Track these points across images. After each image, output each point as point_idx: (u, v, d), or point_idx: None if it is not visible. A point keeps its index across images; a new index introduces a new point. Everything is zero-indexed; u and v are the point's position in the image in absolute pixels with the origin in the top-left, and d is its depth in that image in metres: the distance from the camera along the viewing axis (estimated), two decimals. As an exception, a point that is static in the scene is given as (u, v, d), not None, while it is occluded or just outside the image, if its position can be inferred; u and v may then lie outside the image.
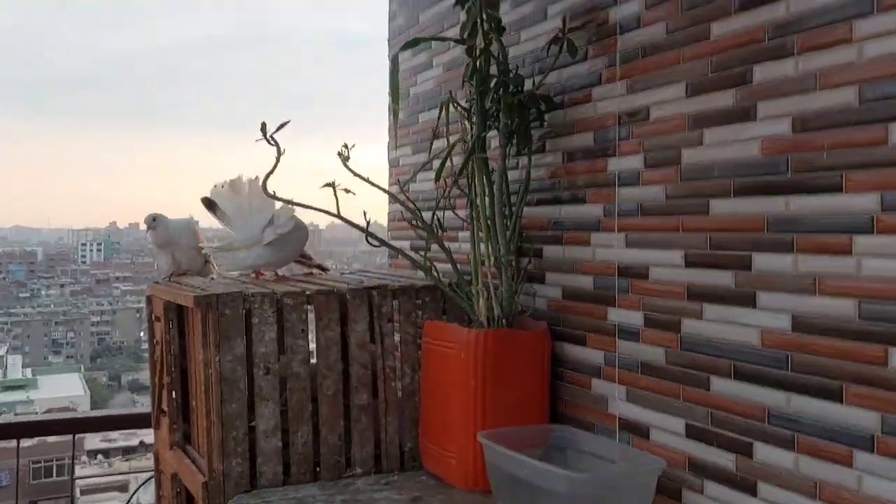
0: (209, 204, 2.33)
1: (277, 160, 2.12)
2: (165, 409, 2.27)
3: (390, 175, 3.05)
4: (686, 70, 1.64)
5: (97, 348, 45.96)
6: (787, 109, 1.46)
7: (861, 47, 1.33)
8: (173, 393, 2.18)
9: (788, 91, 1.45)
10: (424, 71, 2.73)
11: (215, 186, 2.35)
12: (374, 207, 2.47)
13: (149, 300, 2.42)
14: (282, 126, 2.12)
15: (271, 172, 2.12)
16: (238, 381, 1.93)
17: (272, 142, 2.11)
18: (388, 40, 3.07)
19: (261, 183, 2.08)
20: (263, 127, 2.09)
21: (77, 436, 2.84)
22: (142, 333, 46.77)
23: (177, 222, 2.52)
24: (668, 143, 1.69)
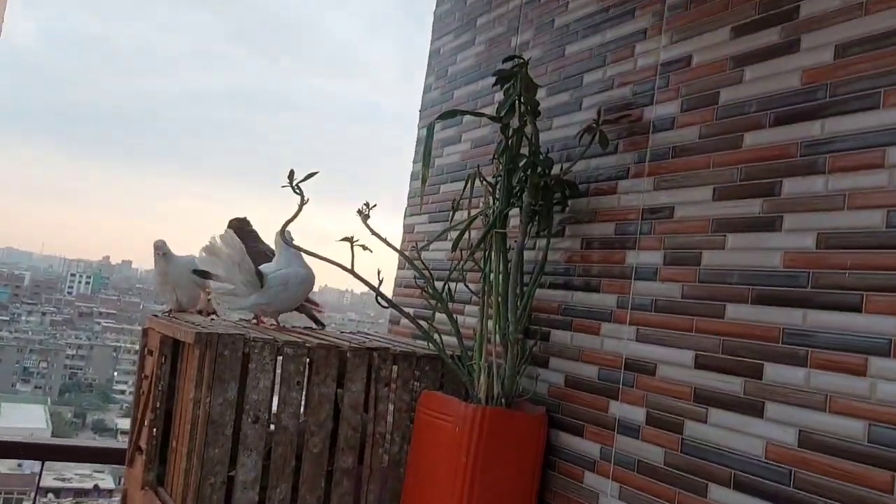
0: (203, 274, 2.31)
1: (300, 208, 2.14)
2: (143, 446, 2.20)
3: (403, 240, 3.07)
4: (714, 174, 1.67)
5: (67, 382, 44.95)
6: (813, 224, 1.48)
7: (892, 173, 1.37)
8: (154, 430, 2.12)
9: (815, 207, 1.48)
10: (452, 144, 2.78)
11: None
12: (377, 273, 2.48)
13: (145, 332, 2.38)
14: (309, 176, 2.15)
15: (292, 219, 2.14)
16: (225, 425, 1.88)
17: (297, 190, 2.13)
18: (420, 111, 3.15)
19: (280, 228, 2.08)
20: (291, 174, 2.12)
21: (30, 471, 2.72)
22: (115, 373, 45.91)
23: (181, 259, 2.50)
24: (689, 242, 1.70)
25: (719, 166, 1.66)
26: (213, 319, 2.39)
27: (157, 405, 2.12)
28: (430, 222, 2.91)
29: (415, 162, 3.14)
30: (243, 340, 1.93)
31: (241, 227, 2.53)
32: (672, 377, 1.69)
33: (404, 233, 3.09)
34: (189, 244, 2.52)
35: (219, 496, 1.85)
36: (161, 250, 2.40)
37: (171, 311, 2.44)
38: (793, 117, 1.55)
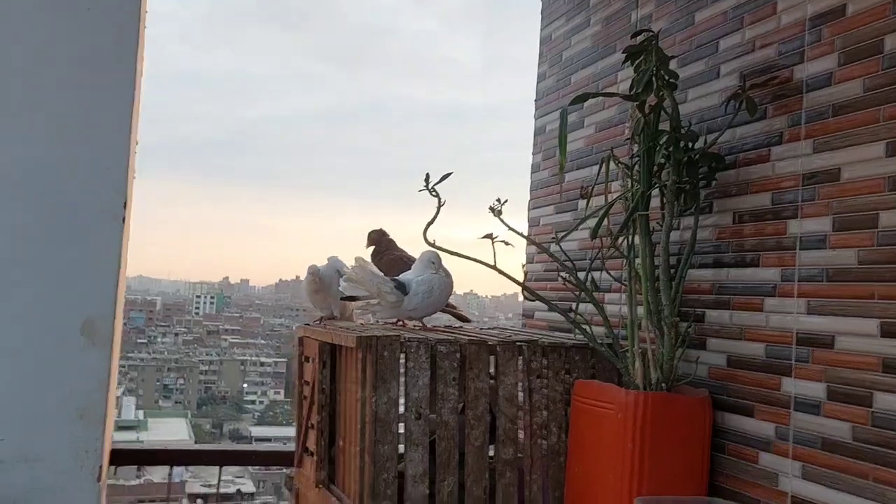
0: (350, 298, 2.39)
1: (437, 210, 2.16)
2: (310, 447, 2.30)
3: (529, 234, 3.05)
4: (886, 129, 1.56)
5: (203, 396, 47.65)
6: None
7: None
8: (321, 432, 2.20)
9: None
10: (575, 130, 2.74)
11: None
12: (521, 267, 2.47)
13: (300, 341, 2.48)
14: (444, 178, 2.17)
15: (432, 222, 2.17)
16: (391, 423, 1.93)
17: (434, 192, 2.16)
18: (536, 101, 3.13)
19: (423, 232, 2.12)
20: (427, 178, 2.16)
21: (181, 479, 2.89)
22: (244, 385, 48.27)
23: (328, 269, 2.58)
24: (862, 204, 1.60)
25: (891, 119, 1.55)
26: (362, 324, 2.46)
27: (322, 408, 2.21)
28: (556, 213, 2.88)
29: (534, 153, 3.12)
30: (400, 342, 1.97)
31: (379, 239, 2.62)
32: (854, 348, 1.60)
33: (530, 226, 3.08)
34: (308, 259, 2.60)
35: (392, 490, 1.90)
36: (316, 276, 2.49)
37: (322, 319, 2.54)
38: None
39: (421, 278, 2.35)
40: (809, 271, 1.72)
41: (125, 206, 2.27)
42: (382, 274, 2.39)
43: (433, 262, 2.36)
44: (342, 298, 2.41)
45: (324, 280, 2.50)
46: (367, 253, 2.67)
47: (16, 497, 2.15)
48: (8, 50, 2.22)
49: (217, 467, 2.74)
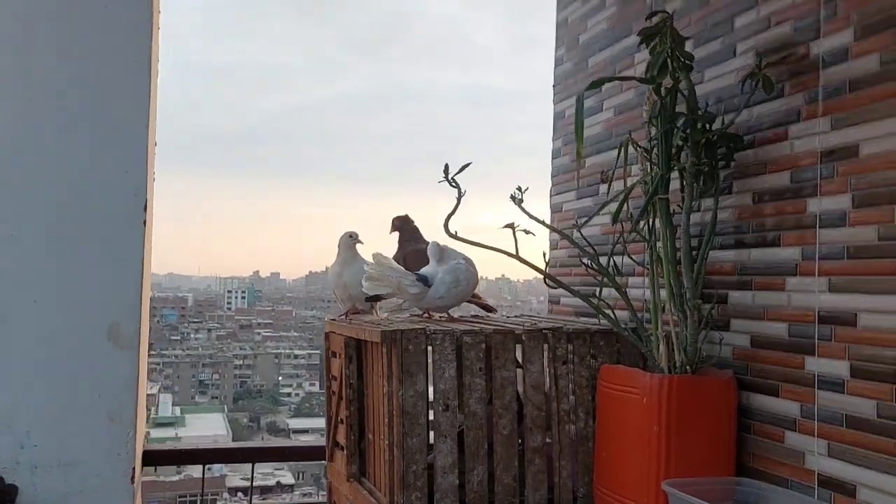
0: (375, 298, 2.41)
1: (458, 201, 2.18)
2: (341, 442, 2.34)
3: (552, 220, 3.05)
4: (904, 103, 1.54)
5: (239, 390, 48.34)
6: None
7: None
8: (351, 427, 2.24)
9: None
10: (594, 114, 2.74)
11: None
12: (543, 255, 2.48)
13: (326, 337, 2.52)
14: (463, 168, 2.19)
15: (452, 213, 2.18)
16: (419, 415, 1.96)
17: (454, 183, 2.18)
18: (554, 86, 3.12)
19: (444, 223, 2.14)
20: (446, 169, 2.17)
21: (221, 473, 2.95)
22: (279, 377, 48.85)
23: (356, 263, 2.59)
24: (882, 180, 1.59)
25: (908, 93, 1.53)
26: (387, 318, 2.49)
27: (351, 402, 2.25)
28: (577, 198, 2.88)
29: (554, 139, 3.12)
30: (425, 334, 2.00)
31: (403, 226, 2.62)
32: (877, 325, 1.59)
33: (552, 213, 3.08)
34: (336, 250, 2.62)
35: (422, 482, 1.93)
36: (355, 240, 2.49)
37: (347, 313, 2.57)
38: None
39: (447, 267, 2.37)
40: (830, 249, 1.71)
41: (146, 209, 2.32)
42: (402, 268, 2.40)
43: (435, 254, 2.38)
44: (367, 300, 2.43)
45: (349, 273, 2.52)
46: (392, 238, 2.68)
47: (51, 501, 2.22)
48: (27, 59, 2.27)
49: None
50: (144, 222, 2.31)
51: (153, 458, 2.54)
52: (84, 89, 2.30)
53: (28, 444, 2.22)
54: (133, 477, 2.26)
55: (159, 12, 2.43)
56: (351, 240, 2.56)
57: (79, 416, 2.23)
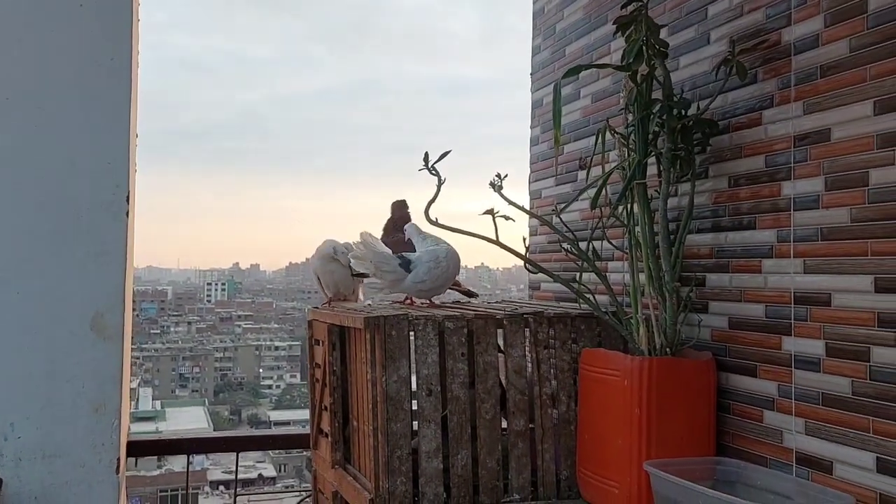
0: (361, 275, 2.42)
1: (438, 189, 2.19)
2: (325, 429, 2.35)
3: (531, 206, 3.08)
4: (874, 87, 1.58)
5: (220, 383, 48.15)
6: None
7: None
8: (335, 413, 2.26)
9: None
10: (571, 101, 2.76)
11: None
12: (523, 240, 2.50)
13: (310, 324, 2.53)
14: (443, 156, 2.20)
15: (433, 200, 2.20)
16: (402, 401, 1.98)
17: (434, 171, 2.19)
18: (531, 74, 3.14)
19: (424, 210, 2.15)
20: (426, 157, 2.18)
21: (202, 467, 2.95)
22: (260, 370, 48.68)
23: (326, 251, 2.58)
24: (852, 163, 1.63)
25: (878, 78, 1.57)
26: (368, 304, 2.50)
27: (334, 390, 2.26)
28: (556, 185, 2.90)
29: (532, 126, 3.14)
30: (407, 320, 2.01)
31: (401, 210, 2.63)
32: (850, 305, 1.63)
33: (531, 199, 3.10)
34: (316, 240, 2.62)
35: (407, 467, 1.95)
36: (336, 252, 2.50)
37: (329, 300, 2.57)
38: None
39: (427, 251, 2.38)
40: (805, 231, 1.75)
41: (128, 200, 2.31)
42: (389, 250, 2.41)
43: (414, 234, 2.40)
44: (353, 275, 2.45)
45: (336, 265, 2.52)
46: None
47: (36, 493, 2.22)
48: (3, 51, 2.25)
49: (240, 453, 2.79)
50: (127, 213, 2.30)
51: (137, 449, 2.54)
52: (64, 81, 2.28)
53: (12, 436, 2.22)
54: (118, 468, 2.26)
55: (139, 4, 2.41)
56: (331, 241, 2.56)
57: (63, 407, 2.23)
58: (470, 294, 2.64)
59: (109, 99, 2.29)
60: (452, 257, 2.38)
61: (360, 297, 2.70)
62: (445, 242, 2.43)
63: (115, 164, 2.29)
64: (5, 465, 2.20)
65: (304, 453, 2.51)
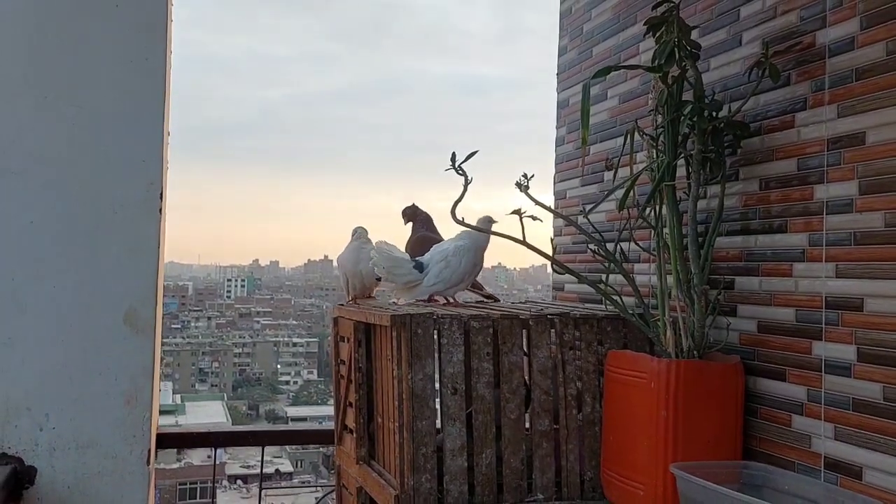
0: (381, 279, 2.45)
1: (465, 188, 2.19)
2: (349, 425, 2.37)
3: (556, 207, 3.07)
4: (911, 91, 1.56)
5: (238, 378, 48.51)
6: None
7: None
8: (360, 410, 2.27)
9: None
10: (599, 102, 2.75)
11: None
12: (550, 241, 2.49)
13: (335, 322, 2.54)
14: (470, 156, 2.20)
15: (459, 200, 2.20)
16: (428, 399, 1.99)
17: (461, 171, 2.19)
18: (557, 74, 3.13)
19: (451, 209, 2.15)
20: (453, 157, 2.19)
21: (220, 461, 2.98)
22: (278, 366, 48.96)
23: (364, 249, 2.59)
24: (888, 167, 1.61)
25: (915, 81, 1.55)
26: (395, 303, 2.51)
27: (360, 386, 2.27)
28: (581, 185, 2.90)
29: (558, 127, 3.13)
30: (433, 319, 2.02)
31: (412, 216, 2.64)
32: (884, 310, 1.61)
33: (556, 199, 3.10)
34: (335, 238, 2.63)
35: (432, 465, 1.96)
36: (362, 238, 2.52)
37: (354, 297, 2.58)
38: None
39: (435, 249, 2.39)
40: (837, 235, 1.73)
41: (161, 197, 2.34)
42: (406, 255, 2.42)
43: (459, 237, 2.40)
44: (377, 278, 2.46)
45: (363, 257, 2.53)
46: (407, 229, 2.70)
47: (69, 482, 2.26)
48: (43, 51, 2.29)
49: (257, 448, 2.82)
50: (160, 210, 2.34)
51: (163, 442, 2.57)
52: (101, 81, 2.32)
53: (47, 427, 2.26)
54: (148, 459, 2.30)
55: (173, 5, 2.45)
56: (362, 230, 2.58)
57: (96, 399, 2.27)
58: (491, 297, 2.64)
59: (144, 98, 2.33)
60: (461, 253, 2.36)
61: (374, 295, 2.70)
62: (468, 237, 2.41)
63: (149, 161, 2.33)
64: (40, 455, 2.25)
65: (321, 449, 2.53)
